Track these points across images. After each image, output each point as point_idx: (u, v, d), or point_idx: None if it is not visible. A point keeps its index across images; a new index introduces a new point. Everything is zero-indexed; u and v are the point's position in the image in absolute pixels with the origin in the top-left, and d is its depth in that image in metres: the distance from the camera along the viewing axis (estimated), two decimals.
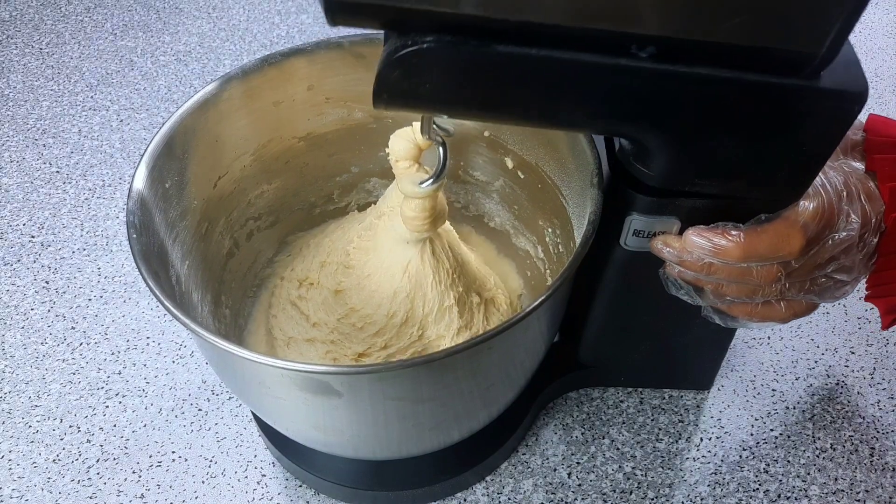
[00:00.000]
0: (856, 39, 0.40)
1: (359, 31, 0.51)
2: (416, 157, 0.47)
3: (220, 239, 0.52)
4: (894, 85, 0.87)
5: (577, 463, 0.53)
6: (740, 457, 0.54)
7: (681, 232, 0.42)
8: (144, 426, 0.55)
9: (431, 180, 0.44)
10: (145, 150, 0.44)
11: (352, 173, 0.60)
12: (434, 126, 0.42)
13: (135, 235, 0.40)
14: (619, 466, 0.53)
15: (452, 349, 0.35)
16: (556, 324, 0.46)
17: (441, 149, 0.43)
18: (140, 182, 0.42)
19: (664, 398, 0.57)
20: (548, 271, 0.55)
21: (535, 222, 0.56)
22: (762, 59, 0.31)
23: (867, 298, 0.47)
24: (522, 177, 0.55)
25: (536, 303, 0.37)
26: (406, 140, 0.46)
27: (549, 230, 0.54)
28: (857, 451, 0.54)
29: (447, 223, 0.56)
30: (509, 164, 0.55)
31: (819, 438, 0.55)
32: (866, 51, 0.92)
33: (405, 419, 0.41)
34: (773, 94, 0.32)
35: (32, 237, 0.68)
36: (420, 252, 0.50)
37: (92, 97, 0.83)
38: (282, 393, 0.39)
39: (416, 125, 0.45)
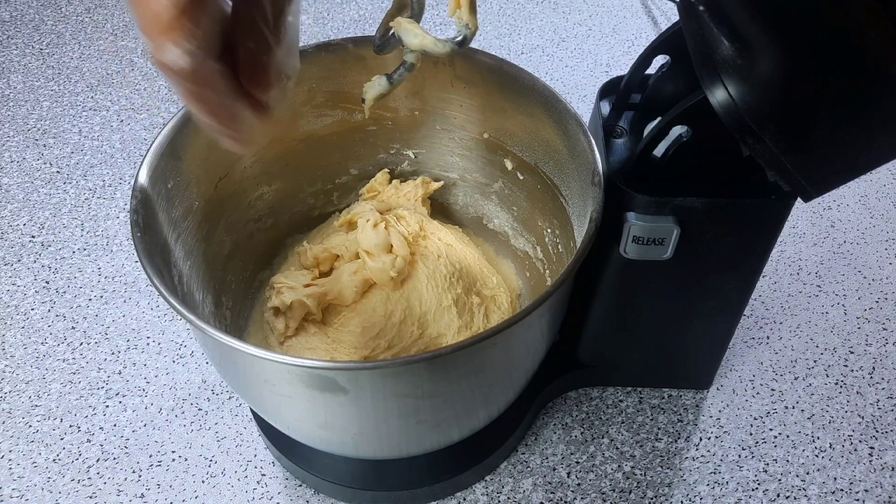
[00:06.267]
0: None
1: (359, 33, 0.51)
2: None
3: (221, 240, 0.52)
4: None
5: (577, 462, 0.53)
6: (739, 456, 0.54)
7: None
8: (144, 426, 0.55)
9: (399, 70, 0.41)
10: (148, 149, 0.44)
11: (351, 175, 0.60)
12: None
13: (139, 234, 0.40)
14: (619, 466, 0.53)
15: (457, 345, 0.36)
16: (557, 323, 0.46)
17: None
18: (143, 181, 0.42)
19: (663, 398, 0.57)
20: (547, 272, 0.55)
21: (534, 223, 0.56)
22: None
23: None
24: (521, 178, 0.55)
25: (540, 299, 0.37)
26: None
27: (549, 231, 0.54)
28: (856, 450, 0.54)
29: (444, 230, 0.57)
30: (508, 165, 0.55)
31: (818, 438, 0.55)
32: None
33: (408, 416, 0.41)
34: None
35: (33, 237, 0.68)
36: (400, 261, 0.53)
37: (92, 97, 0.83)
38: (287, 390, 0.39)
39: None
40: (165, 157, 0.44)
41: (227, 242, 0.53)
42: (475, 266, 0.57)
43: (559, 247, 0.53)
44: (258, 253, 0.57)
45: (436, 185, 0.59)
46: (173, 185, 0.45)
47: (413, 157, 0.59)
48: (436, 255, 0.55)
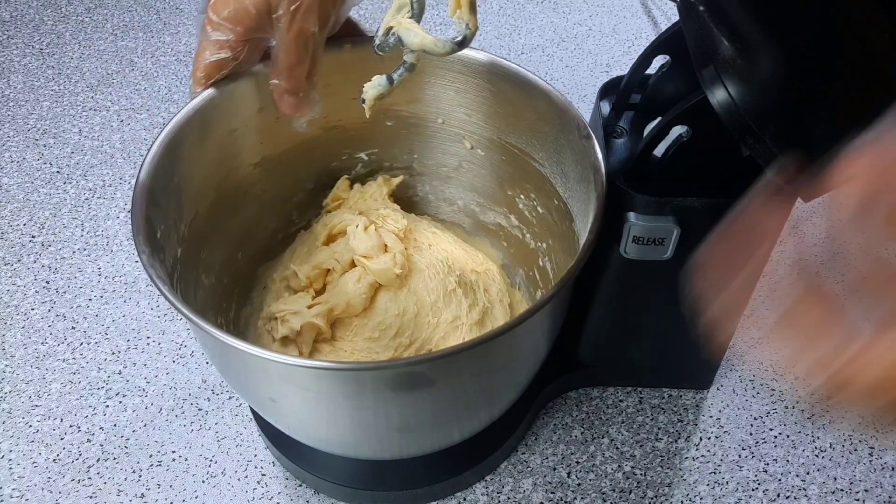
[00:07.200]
0: None
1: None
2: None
3: (197, 281, 0.49)
4: None
5: (577, 462, 0.53)
6: (739, 456, 0.54)
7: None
8: (144, 426, 0.55)
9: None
10: (139, 170, 0.42)
11: (307, 190, 0.58)
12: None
13: (145, 257, 0.39)
14: (619, 466, 0.53)
15: (532, 310, 0.37)
16: (565, 314, 0.46)
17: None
18: (136, 229, 0.41)
19: (663, 397, 0.57)
20: (528, 235, 0.56)
21: (502, 194, 0.56)
22: None
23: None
24: (482, 154, 0.55)
25: (578, 261, 0.38)
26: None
27: (521, 196, 0.54)
28: (856, 450, 0.54)
29: (423, 221, 0.58)
30: (467, 144, 0.55)
31: (818, 438, 0.55)
32: None
33: (480, 394, 0.42)
34: None
35: (33, 237, 0.68)
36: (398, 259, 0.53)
37: (92, 97, 0.83)
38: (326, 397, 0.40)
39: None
40: (148, 204, 0.42)
41: (205, 283, 0.50)
42: (458, 248, 0.58)
43: (538, 209, 0.53)
44: (235, 291, 0.55)
45: (397, 180, 0.59)
46: (161, 234, 0.43)
47: (366, 158, 0.58)
48: (427, 244, 0.56)
